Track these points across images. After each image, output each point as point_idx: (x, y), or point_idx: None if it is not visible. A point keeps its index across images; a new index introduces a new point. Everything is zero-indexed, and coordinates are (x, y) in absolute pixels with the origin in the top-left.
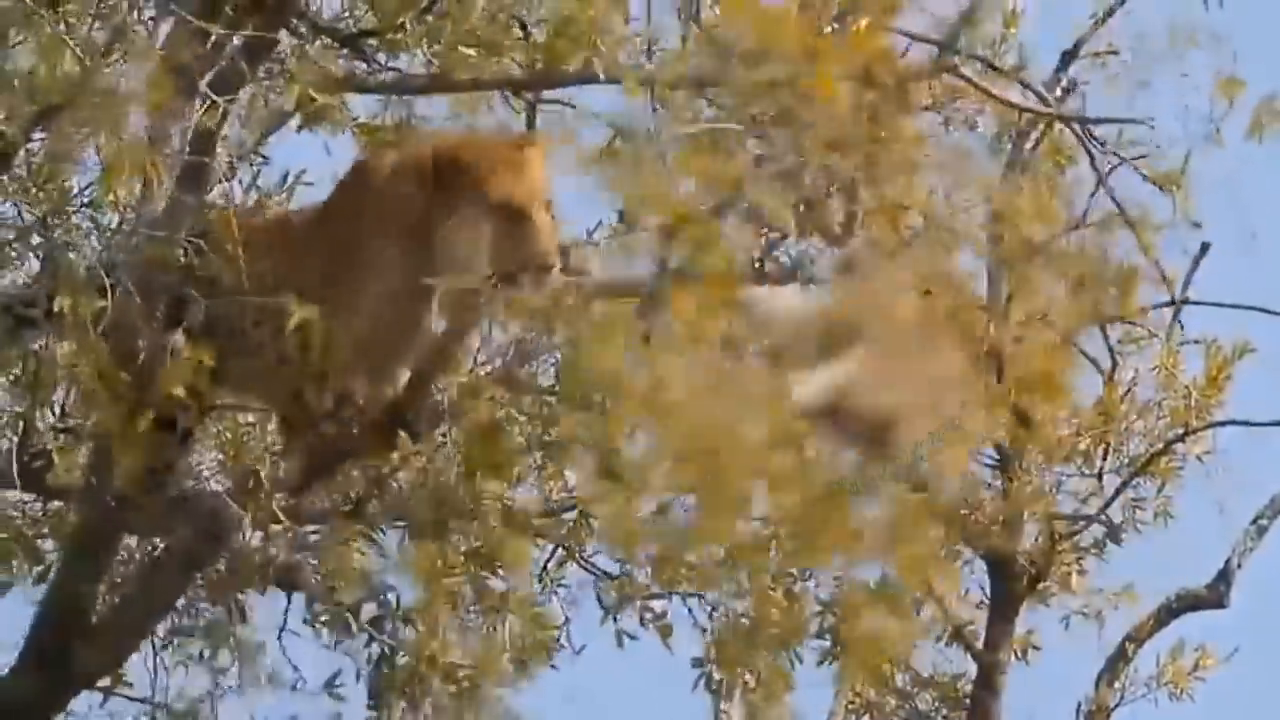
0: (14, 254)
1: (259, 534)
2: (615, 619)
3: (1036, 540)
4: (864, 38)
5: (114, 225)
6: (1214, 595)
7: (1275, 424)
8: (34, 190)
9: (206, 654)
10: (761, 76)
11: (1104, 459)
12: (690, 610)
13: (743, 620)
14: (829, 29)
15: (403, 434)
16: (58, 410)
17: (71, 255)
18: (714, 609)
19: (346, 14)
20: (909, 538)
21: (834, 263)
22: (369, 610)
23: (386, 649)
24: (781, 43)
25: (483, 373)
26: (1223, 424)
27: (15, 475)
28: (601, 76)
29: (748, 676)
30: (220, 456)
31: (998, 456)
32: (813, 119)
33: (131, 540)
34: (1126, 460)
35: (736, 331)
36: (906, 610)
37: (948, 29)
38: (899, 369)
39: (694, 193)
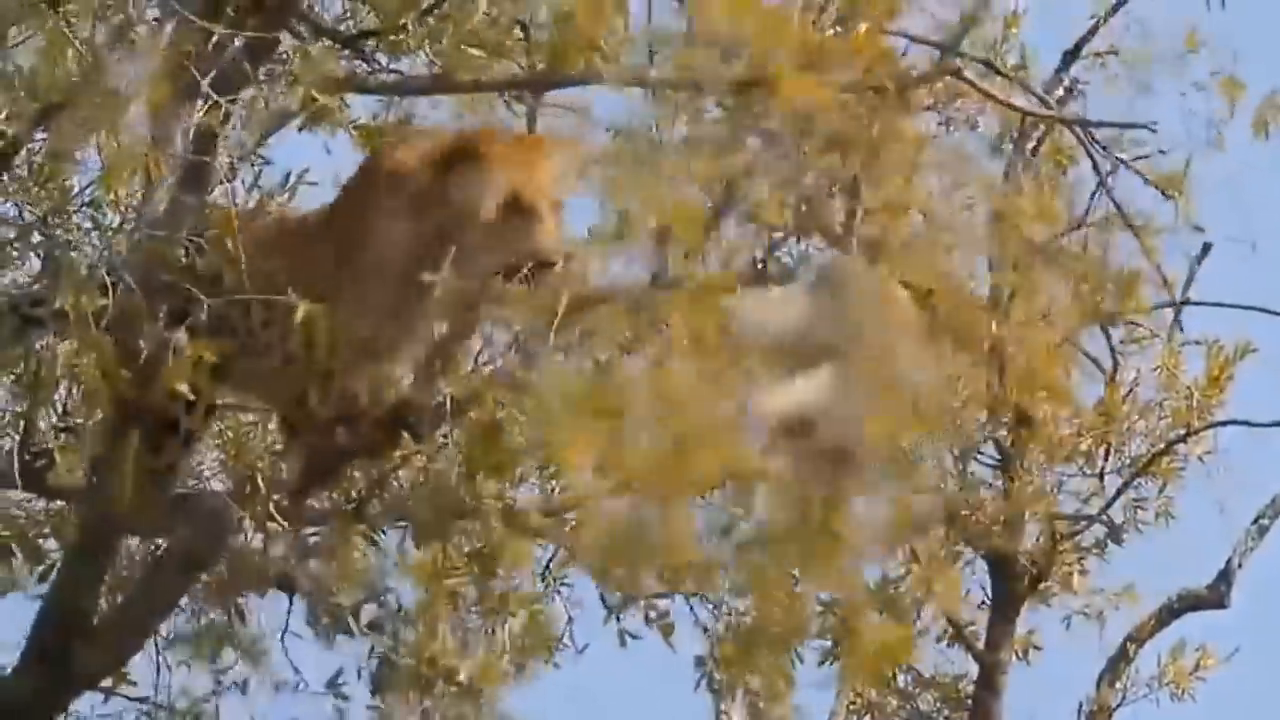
0: (15, 253)
1: (259, 536)
2: (619, 619)
3: (1038, 540)
4: (865, 40)
5: (115, 225)
6: (1215, 595)
7: (1276, 424)
8: (35, 189)
9: (209, 655)
10: (741, 74)
11: (1105, 459)
12: (692, 608)
13: (744, 620)
14: (831, 31)
15: (405, 435)
16: (59, 410)
17: (73, 254)
18: (716, 607)
19: (348, 15)
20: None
21: (815, 274)
22: (369, 612)
23: (388, 651)
24: (781, 41)
25: (485, 373)
26: (1224, 424)
27: (16, 475)
28: (604, 77)
29: (749, 677)
30: (221, 456)
31: (999, 456)
32: (814, 119)
33: (133, 540)
34: (1128, 460)
35: (722, 340)
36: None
37: (950, 32)
38: (869, 391)
39: (691, 195)
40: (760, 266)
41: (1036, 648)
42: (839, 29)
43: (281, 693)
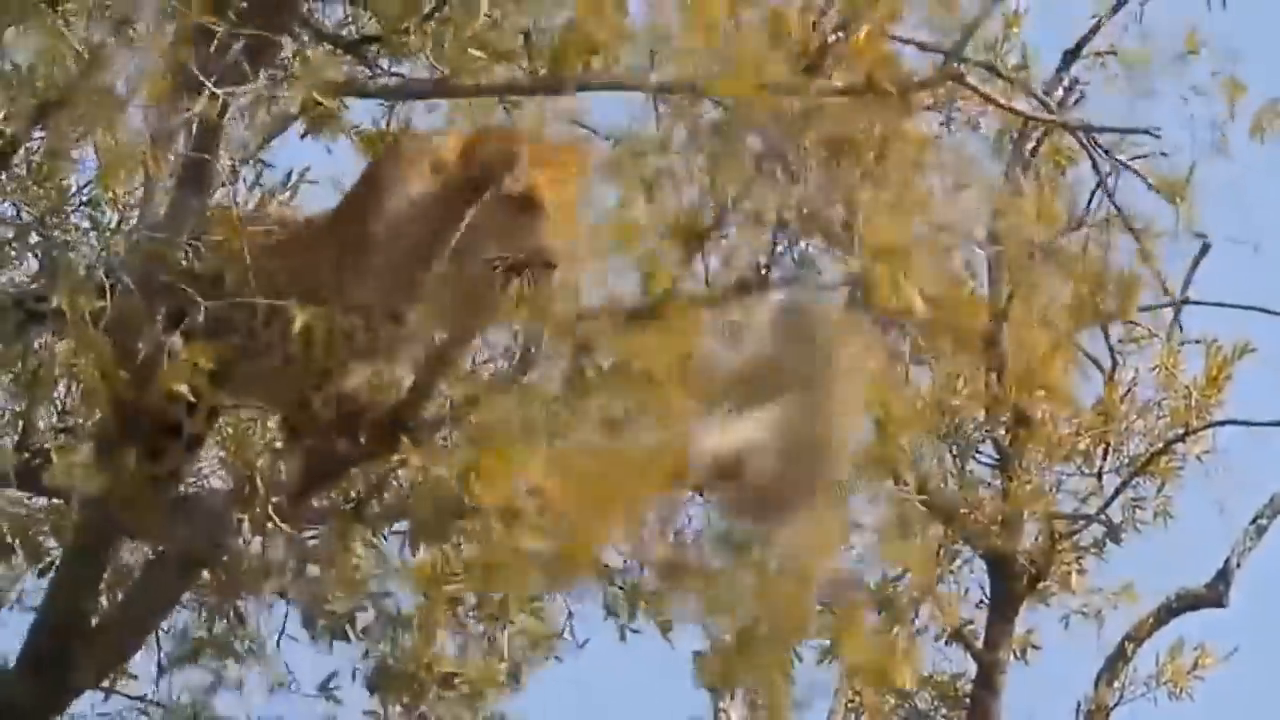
0: (13, 253)
1: (257, 539)
2: (618, 617)
3: (1036, 539)
4: (866, 44)
5: (113, 224)
6: (1213, 594)
7: (1275, 424)
8: (33, 188)
9: (210, 661)
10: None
11: (1104, 458)
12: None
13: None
14: (832, 37)
15: (404, 437)
16: (57, 409)
17: (70, 255)
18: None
19: (349, 20)
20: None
21: (779, 309)
22: (365, 617)
23: (385, 655)
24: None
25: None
26: (1222, 424)
27: (13, 475)
28: (605, 81)
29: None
30: (221, 454)
31: (998, 455)
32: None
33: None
34: (1126, 460)
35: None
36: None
37: (953, 37)
38: (806, 431)
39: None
40: (765, 272)
41: (1035, 647)
42: (840, 33)
43: (277, 694)
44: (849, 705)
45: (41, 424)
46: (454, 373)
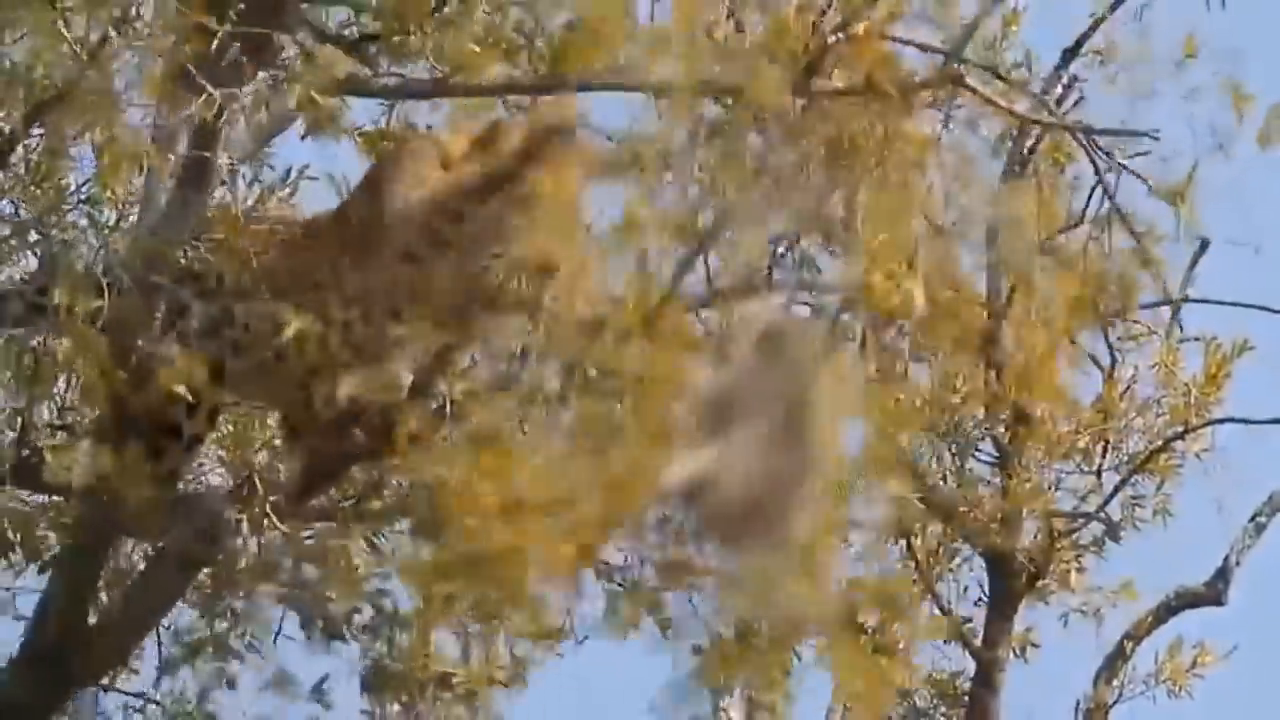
0: (11, 251)
1: (255, 539)
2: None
3: (1035, 538)
4: (866, 45)
5: (112, 222)
6: (1212, 593)
7: (1274, 422)
8: (31, 186)
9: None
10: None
11: (1103, 456)
12: (692, 601)
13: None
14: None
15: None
16: (55, 407)
17: (70, 253)
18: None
19: (352, 21)
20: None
21: (757, 335)
22: (363, 618)
23: (381, 655)
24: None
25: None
26: (1221, 421)
27: (10, 472)
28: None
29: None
30: (221, 453)
31: (997, 453)
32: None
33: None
34: (1125, 457)
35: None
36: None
37: (953, 38)
38: (777, 457)
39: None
40: (769, 274)
41: (1034, 645)
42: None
43: (277, 693)
44: (848, 705)
45: (39, 422)
46: (453, 373)
